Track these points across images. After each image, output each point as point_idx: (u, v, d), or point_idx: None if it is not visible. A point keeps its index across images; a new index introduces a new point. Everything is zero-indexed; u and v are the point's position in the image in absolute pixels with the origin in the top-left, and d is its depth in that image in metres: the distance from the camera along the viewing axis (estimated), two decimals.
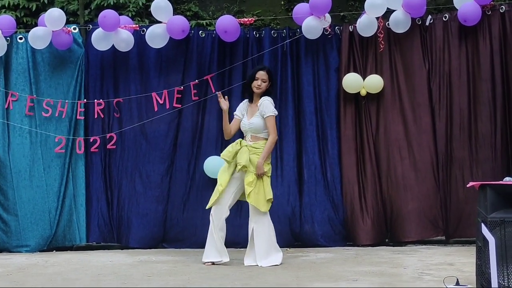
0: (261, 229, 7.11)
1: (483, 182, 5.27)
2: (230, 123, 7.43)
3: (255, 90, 7.29)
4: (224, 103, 7.34)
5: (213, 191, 8.21)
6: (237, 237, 8.14)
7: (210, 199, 7.27)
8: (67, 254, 8.30)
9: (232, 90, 8.61)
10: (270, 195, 7.14)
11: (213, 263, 7.16)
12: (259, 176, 7.09)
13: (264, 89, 7.28)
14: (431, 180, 8.48)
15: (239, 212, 8.14)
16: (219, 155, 8.39)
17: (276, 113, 7.29)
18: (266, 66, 7.60)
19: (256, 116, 7.23)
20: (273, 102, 7.31)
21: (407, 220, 8.45)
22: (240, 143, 7.24)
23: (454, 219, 8.42)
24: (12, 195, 8.57)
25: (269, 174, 7.24)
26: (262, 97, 7.27)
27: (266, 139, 7.22)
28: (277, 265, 7.07)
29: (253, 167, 7.10)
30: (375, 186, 8.58)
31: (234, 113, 7.47)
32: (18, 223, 8.53)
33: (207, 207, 7.30)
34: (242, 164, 7.08)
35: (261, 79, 7.27)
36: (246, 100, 7.45)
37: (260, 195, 7.08)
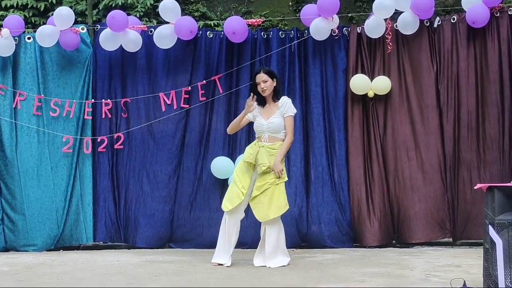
0: (272, 229, 7.07)
1: (490, 184, 5.27)
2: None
3: (262, 94, 7.23)
4: (252, 107, 7.21)
5: (220, 191, 8.22)
6: (243, 238, 8.14)
7: (228, 200, 7.14)
8: (74, 254, 8.32)
9: (239, 91, 8.62)
10: (284, 202, 7.08)
11: (219, 264, 7.15)
12: (278, 174, 7.01)
13: (270, 89, 7.21)
14: (438, 181, 8.47)
15: (246, 213, 8.13)
16: (227, 156, 8.44)
17: (296, 112, 7.27)
18: (261, 68, 7.48)
19: (275, 117, 7.14)
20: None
21: (414, 221, 8.43)
22: (257, 145, 7.19)
23: (462, 221, 8.40)
24: (20, 194, 8.58)
25: (285, 179, 7.19)
26: (283, 97, 7.25)
27: (283, 140, 7.17)
28: (284, 265, 7.06)
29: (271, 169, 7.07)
30: (382, 187, 8.56)
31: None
32: (25, 222, 8.54)
33: (226, 210, 7.13)
34: (266, 165, 7.00)
35: (261, 81, 7.19)
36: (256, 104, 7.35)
37: (265, 205, 7.02)
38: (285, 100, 7.21)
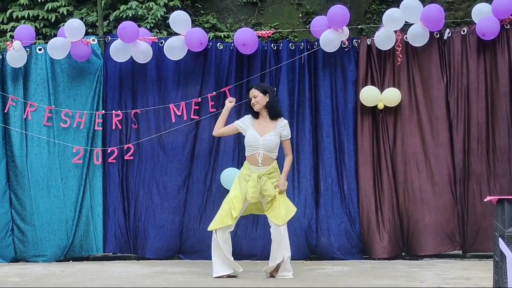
0: (277, 236, 7.03)
1: (500, 197, 5.26)
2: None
3: (254, 108, 7.25)
4: (232, 103, 7.49)
5: None
6: (253, 249, 8.14)
7: (218, 220, 7.10)
8: (83, 264, 8.33)
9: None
10: (291, 208, 7.13)
11: (228, 276, 7.12)
12: (281, 192, 7.08)
13: (261, 103, 7.20)
14: (448, 194, 8.45)
15: (255, 225, 8.15)
16: (236, 167, 8.42)
17: None
18: (254, 84, 7.51)
19: (271, 134, 7.15)
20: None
21: (424, 233, 8.41)
22: (258, 177, 7.09)
23: (471, 233, 8.38)
24: (30, 205, 8.61)
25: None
26: (282, 119, 7.26)
27: (275, 160, 7.19)
28: (291, 278, 7.03)
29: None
30: (392, 199, 8.55)
31: (236, 122, 7.36)
32: (35, 233, 8.56)
33: (210, 229, 7.15)
34: (273, 195, 7.04)
35: (252, 96, 7.24)
36: (250, 116, 7.35)
37: (277, 210, 7.04)
38: (285, 123, 7.26)
